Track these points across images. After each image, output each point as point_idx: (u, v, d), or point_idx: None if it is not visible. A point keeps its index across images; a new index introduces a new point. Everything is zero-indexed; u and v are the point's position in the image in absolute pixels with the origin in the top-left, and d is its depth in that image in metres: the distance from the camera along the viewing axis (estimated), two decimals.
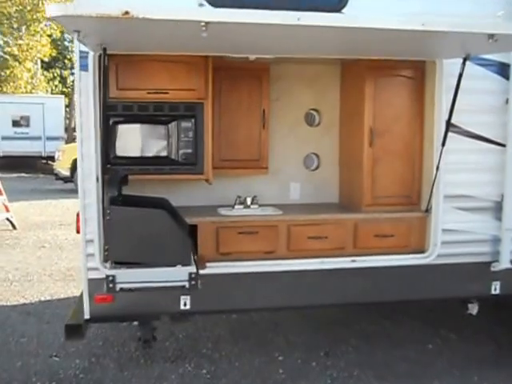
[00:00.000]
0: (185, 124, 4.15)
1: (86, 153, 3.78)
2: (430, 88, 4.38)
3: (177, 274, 3.20)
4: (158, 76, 4.06)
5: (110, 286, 3.19)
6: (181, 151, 4.17)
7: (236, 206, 4.61)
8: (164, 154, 4.16)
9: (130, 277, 3.20)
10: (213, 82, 4.37)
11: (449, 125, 4.09)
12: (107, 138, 4.02)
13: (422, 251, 4.41)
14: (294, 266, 4.19)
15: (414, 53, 4.08)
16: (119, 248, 3.20)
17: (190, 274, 3.19)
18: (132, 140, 4.13)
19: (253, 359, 4.67)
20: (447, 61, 4.14)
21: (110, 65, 3.91)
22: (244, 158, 4.58)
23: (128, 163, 4.14)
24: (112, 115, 4.04)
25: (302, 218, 4.30)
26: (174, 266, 3.22)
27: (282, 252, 4.28)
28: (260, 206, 4.67)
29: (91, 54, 3.69)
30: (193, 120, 4.16)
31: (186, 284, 3.21)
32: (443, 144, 4.14)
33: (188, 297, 4.09)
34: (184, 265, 3.23)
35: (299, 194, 4.96)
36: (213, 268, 4.03)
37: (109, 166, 4.06)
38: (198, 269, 3.30)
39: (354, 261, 4.28)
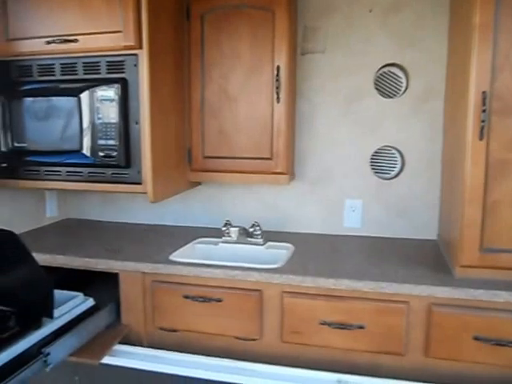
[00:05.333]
0: (103, 94, 2.34)
1: None
2: None
3: None
4: (62, 13, 2.34)
5: None
6: (99, 142, 2.38)
7: (224, 238, 2.64)
8: (75, 147, 2.43)
9: None
10: (191, 22, 2.51)
11: None
12: None
13: None
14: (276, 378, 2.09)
15: None
16: None
17: None
18: (33, 124, 2.48)
19: None
20: None
21: None
22: (243, 154, 2.55)
23: (29, 162, 2.53)
24: (2, 85, 2.51)
25: (310, 283, 2.12)
26: None
27: (268, 341, 2.21)
28: (265, 236, 2.62)
29: None
30: (117, 87, 2.32)
31: None
32: None
33: None
34: None
35: (360, 219, 2.71)
36: (115, 357, 2.22)
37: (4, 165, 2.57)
38: None
39: None
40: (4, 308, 1.97)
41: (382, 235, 2.67)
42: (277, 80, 2.42)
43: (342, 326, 2.09)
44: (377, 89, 2.57)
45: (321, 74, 2.64)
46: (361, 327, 2.07)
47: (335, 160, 2.70)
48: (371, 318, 2.06)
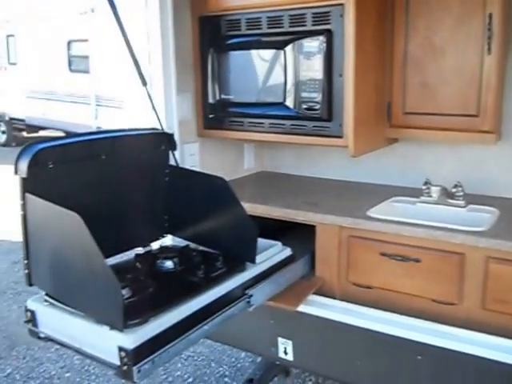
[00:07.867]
0: (308, 46, 2.35)
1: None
2: None
3: (101, 342, 1.62)
4: None
5: (31, 326, 1.85)
6: (302, 95, 2.41)
7: (422, 197, 2.54)
8: (279, 99, 2.48)
9: (51, 321, 1.78)
10: None
11: None
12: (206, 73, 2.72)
13: None
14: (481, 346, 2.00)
15: None
16: (38, 267, 1.82)
17: (121, 350, 1.55)
18: (239, 76, 2.59)
19: None
20: None
21: None
22: (446, 111, 2.40)
23: (234, 114, 2.66)
24: (212, 39, 2.65)
25: None
26: (101, 324, 1.62)
27: (468, 307, 2.11)
28: (466, 199, 2.46)
29: None
30: (322, 39, 2.31)
31: (117, 363, 1.59)
32: None
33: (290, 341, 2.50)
34: (113, 327, 1.59)
35: None
36: (310, 306, 2.30)
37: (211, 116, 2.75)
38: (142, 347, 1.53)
39: None
40: (213, 251, 2.13)
41: None
42: (488, 29, 2.22)
43: None
44: None
45: None
46: None
47: None
48: None
